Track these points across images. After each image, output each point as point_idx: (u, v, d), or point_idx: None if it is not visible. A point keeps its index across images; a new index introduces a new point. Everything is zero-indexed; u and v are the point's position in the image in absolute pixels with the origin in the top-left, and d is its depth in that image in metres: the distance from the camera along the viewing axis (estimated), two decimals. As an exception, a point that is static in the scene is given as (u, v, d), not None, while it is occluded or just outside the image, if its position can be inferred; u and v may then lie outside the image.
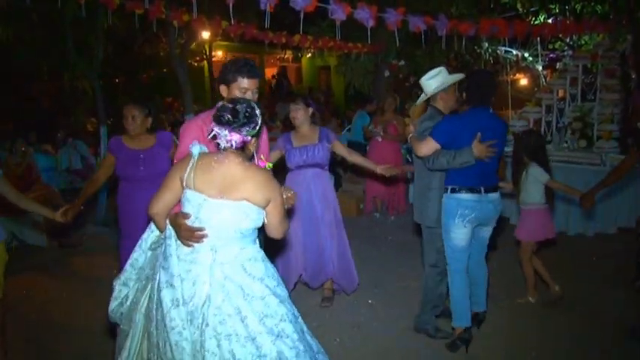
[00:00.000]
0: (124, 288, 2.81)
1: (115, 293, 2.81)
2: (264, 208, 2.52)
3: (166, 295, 2.47)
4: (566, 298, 4.67)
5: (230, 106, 2.43)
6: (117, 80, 16.70)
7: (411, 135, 4.01)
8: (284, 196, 2.71)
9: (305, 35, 8.71)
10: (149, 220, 3.09)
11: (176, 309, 2.45)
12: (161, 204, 2.65)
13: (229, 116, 2.40)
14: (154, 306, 2.55)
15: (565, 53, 11.02)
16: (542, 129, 8.12)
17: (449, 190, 3.79)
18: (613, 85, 7.50)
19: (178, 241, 2.54)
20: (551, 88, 8.38)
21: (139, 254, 2.83)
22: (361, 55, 10.37)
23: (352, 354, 3.96)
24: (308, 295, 5.01)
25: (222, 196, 2.46)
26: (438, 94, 4.02)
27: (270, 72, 23.06)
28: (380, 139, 7.56)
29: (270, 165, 3.03)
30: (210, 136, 2.46)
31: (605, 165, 6.71)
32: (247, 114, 2.42)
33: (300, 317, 2.67)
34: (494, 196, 3.83)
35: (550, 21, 10.89)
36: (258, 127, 2.48)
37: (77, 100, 12.37)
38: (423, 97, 4.18)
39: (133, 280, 2.80)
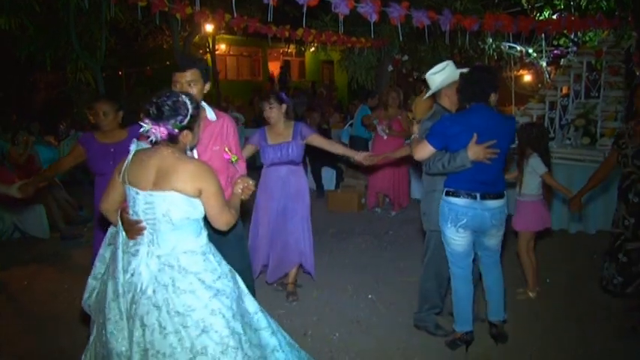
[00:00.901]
0: (93, 281, 2.89)
1: (87, 286, 2.90)
2: (196, 198, 2.51)
3: (110, 287, 2.59)
4: (568, 294, 4.66)
5: (154, 99, 2.48)
6: (120, 72, 16.71)
7: (413, 136, 3.88)
8: (239, 187, 2.83)
9: (308, 29, 8.68)
10: None
11: (115, 301, 2.55)
12: (109, 200, 2.76)
13: (153, 110, 2.45)
14: (102, 297, 2.66)
15: (569, 50, 10.98)
16: (546, 126, 8.09)
17: (444, 193, 3.62)
18: (617, 83, 7.46)
19: (125, 235, 2.62)
20: (555, 84, 8.34)
21: (105, 249, 2.90)
22: (364, 50, 10.34)
23: (351, 349, 3.96)
24: (307, 289, 5.02)
25: (153, 189, 2.50)
26: (442, 91, 3.89)
27: (272, 66, 23.05)
28: (385, 137, 7.53)
29: (235, 158, 3.23)
30: (142, 130, 2.49)
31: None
32: (170, 107, 2.45)
33: (253, 312, 2.71)
34: (493, 203, 3.54)
35: (555, 17, 10.84)
36: (187, 120, 2.49)
37: (80, 92, 12.37)
38: (428, 93, 4.09)
39: (100, 274, 2.85)
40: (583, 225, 6.51)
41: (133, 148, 2.66)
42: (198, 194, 2.50)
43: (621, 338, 3.99)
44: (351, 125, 9.79)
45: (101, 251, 2.91)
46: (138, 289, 2.50)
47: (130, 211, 2.59)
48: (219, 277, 2.59)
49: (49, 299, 4.90)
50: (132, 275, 2.53)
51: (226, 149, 3.24)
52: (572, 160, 6.81)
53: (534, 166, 4.48)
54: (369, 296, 4.91)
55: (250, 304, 2.74)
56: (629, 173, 3.97)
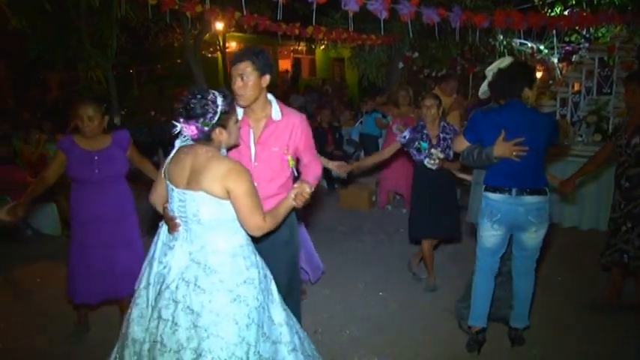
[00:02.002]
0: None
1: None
2: (225, 199, 2.47)
3: (145, 274, 2.67)
4: (570, 289, 4.64)
5: (184, 98, 2.47)
6: (130, 71, 16.78)
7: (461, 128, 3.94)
8: (293, 193, 2.63)
9: (318, 27, 8.68)
10: (103, 226, 3.67)
11: (146, 289, 2.65)
12: (154, 194, 2.82)
13: (182, 108, 2.45)
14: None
15: (581, 46, 10.88)
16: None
17: (483, 188, 3.66)
18: (630, 79, 7.39)
19: (166, 228, 2.69)
20: (566, 81, 8.27)
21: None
22: (375, 47, 10.31)
23: (362, 347, 3.96)
24: (318, 286, 5.02)
25: (186, 187, 2.51)
26: None
27: (283, 63, 23.03)
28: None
29: (292, 162, 3.07)
30: (174, 130, 2.50)
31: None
32: (198, 105, 2.43)
33: (278, 324, 2.66)
34: (529, 199, 3.49)
35: (566, 13, 10.76)
36: (217, 117, 2.46)
37: (91, 91, 12.43)
38: (483, 89, 4.10)
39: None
40: (598, 222, 6.49)
41: (177, 143, 2.65)
42: (227, 195, 2.45)
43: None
44: (361, 123, 9.78)
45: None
46: (164, 282, 2.57)
47: (169, 207, 2.66)
48: (245, 281, 2.53)
49: (61, 297, 4.92)
50: (164, 267, 2.61)
51: (286, 151, 3.06)
52: (584, 157, 6.73)
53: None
54: (380, 294, 4.91)
55: (278, 314, 2.67)
56: (623, 162, 4.16)
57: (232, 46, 18.77)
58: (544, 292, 4.63)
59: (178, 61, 15.97)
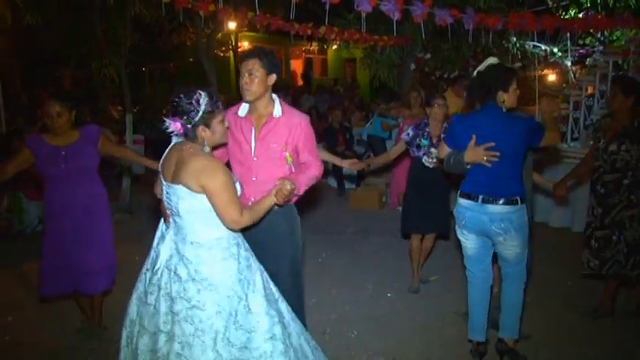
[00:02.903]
0: None
1: None
2: (201, 193, 2.58)
3: (147, 260, 2.85)
4: (570, 292, 4.61)
5: (173, 96, 2.63)
6: (143, 69, 16.86)
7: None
8: (274, 189, 2.78)
9: (331, 27, 8.67)
10: (73, 222, 3.74)
11: (144, 274, 2.81)
12: (157, 186, 2.98)
13: (169, 106, 2.62)
14: None
15: (595, 49, 10.80)
16: (570, 126, 7.99)
17: (458, 194, 3.61)
18: (644, 83, 7.33)
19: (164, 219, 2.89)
20: (579, 84, 8.23)
21: None
22: (387, 48, 10.29)
23: (370, 347, 3.96)
24: (326, 287, 5.02)
25: (171, 181, 2.66)
26: None
27: (295, 63, 23.07)
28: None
29: (290, 159, 3.14)
30: (164, 127, 2.64)
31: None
32: (182, 103, 2.58)
33: (257, 313, 2.67)
34: (494, 208, 3.37)
35: (581, 15, 10.68)
36: (199, 116, 2.59)
37: (104, 88, 12.50)
38: None
39: None
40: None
41: (173, 140, 2.79)
42: (203, 191, 2.57)
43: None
44: (371, 124, 9.78)
45: None
46: (154, 269, 2.75)
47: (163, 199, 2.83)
48: (219, 272, 2.64)
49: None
50: (156, 255, 2.78)
51: (284, 147, 3.15)
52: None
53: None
54: (389, 295, 4.90)
55: (258, 304, 2.71)
56: (599, 167, 4.14)
57: (244, 45, 18.81)
58: (545, 294, 4.63)
59: (191, 59, 16.02)
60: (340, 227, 7.12)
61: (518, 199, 3.39)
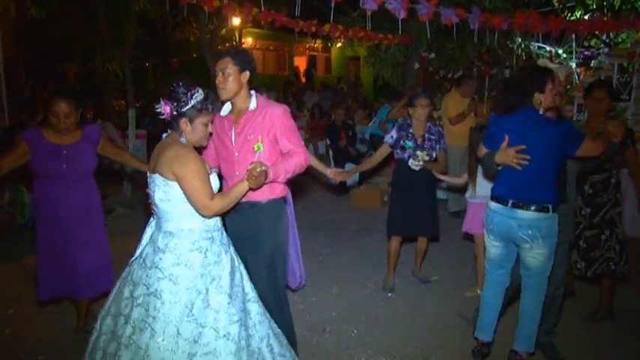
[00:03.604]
0: None
1: None
2: (173, 181, 2.66)
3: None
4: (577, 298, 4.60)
5: (175, 81, 2.76)
6: (147, 64, 16.85)
7: None
8: (245, 179, 2.78)
9: (335, 25, 8.64)
10: (66, 223, 3.69)
11: (131, 264, 2.86)
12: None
13: (168, 89, 2.73)
14: None
15: (600, 51, 10.77)
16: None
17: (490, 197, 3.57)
18: (649, 85, 7.32)
19: None
20: (584, 86, 8.19)
21: None
22: (391, 47, 10.27)
23: (370, 346, 3.95)
24: (327, 285, 5.01)
25: (152, 171, 2.77)
26: None
27: (298, 60, 23.05)
28: None
29: (257, 147, 3.16)
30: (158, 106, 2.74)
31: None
32: (177, 90, 2.70)
33: (215, 310, 2.67)
34: (523, 214, 3.31)
35: (586, 17, 10.65)
36: (186, 108, 2.70)
37: (107, 82, 12.51)
38: None
39: None
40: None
41: (164, 135, 2.85)
42: (176, 180, 2.65)
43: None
44: (374, 123, 9.76)
45: None
46: (135, 256, 2.87)
47: None
48: (181, 263, 2.67)
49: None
50: (140, 245, 2.90)
51: (259, 137, 3.17)
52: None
53: (486, 170, 4.32)
54: (389, 294, 4.89)
55: (218, 301, 2.70)
56: (583, 168, 4.06)
57: (248, 41, 18.82)
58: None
59: (194, 55, 16.00)
60: (342, 225, 7.11)
61: (550, 207, 3.30)
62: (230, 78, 3.13)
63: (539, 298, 3.49)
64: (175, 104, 2.69)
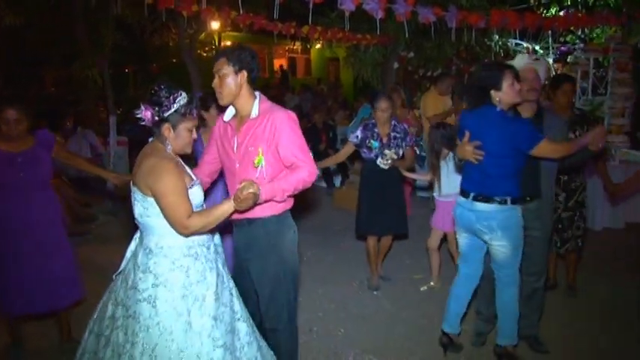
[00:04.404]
0: None
1: None
2: (150, 197, 2.49)
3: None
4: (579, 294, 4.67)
5: (156, 85, 2.58)
6: (126, 70, 16.75)
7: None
8: (232, 199, 2.54)
9: (314, 26, 8.68)
10: (31, 234, 3.51)
11: (116, 278, 2.74)
12: None
13: (149, 93, 2.56)
14: None
15: (576, 46, 10.92)
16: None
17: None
18: (624, 79, 7.42)
19: None
20: (567, 77, 8.29)
21: None
22: (370, 47, 10.32)
23: (356, 345, 3.96)
24: (313, 285, 5.03)
25: (132, 183, 2.60)
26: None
27: (278, 63, 23.02)
28: None
29: (258, 161, 2.80)
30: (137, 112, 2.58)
31: (614, 160, 6.69)
32: (159, 94, 2.53)
33: (184, 328, 2.48)
34: (480, 206, 3.38)
35: (562, 13, 10.79)
36: (168, 113, 2.53)
37: (87, 89, 12.39)
38: None
39: None
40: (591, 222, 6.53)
41: (150, 140, 2.69)
42: (151, 194, 2.48)
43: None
44: (354, 123, 9.79)
45: None
46: (119, 270, 2.74)
47: None
48: (157, 284, 2.49)
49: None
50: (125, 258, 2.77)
51: (260, 149, 2.81)
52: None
53: (455, 166, 4.41)
54: (374, 292, 4.91)
55: (201, 324, 2.52)
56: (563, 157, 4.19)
57: (228, 45, 18.75)
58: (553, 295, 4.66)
59: (174, 60, 15.94)
60: (325, 225, 7.13)
61: (509, 200, 3.35)
62: (226, 80, 2.83)
63: (512, 291, 3.52)
64: (157, 109, 2.51)
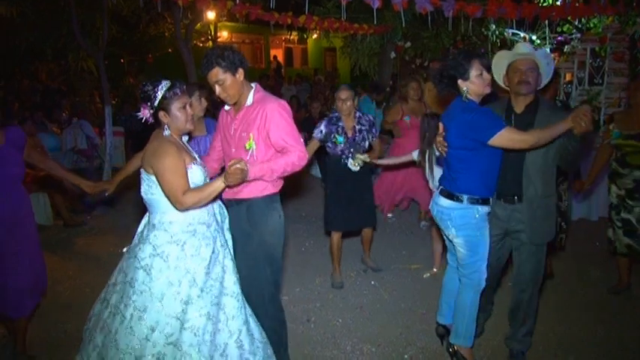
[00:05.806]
0: None
1: None
2: (152, 175, 2.77)
3: None
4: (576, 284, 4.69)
5: (142, 85, 2.89)
6: (122, 60, 16.67)
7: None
8: (223, 175, 2.70)
9: (311, 16, 8.63)
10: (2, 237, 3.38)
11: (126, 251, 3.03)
12: None
13: (139, 94, 2.85)
14: None
15: (573, 36, 10.89)
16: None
17: None
18: (621, 69, 7.44)
19: None
20: (558, 71, 8.28)
21: None
22: (367, 37, 10.29)
23: (354, 334, 3.99)
24: (310, 275, 5.04)
25: (140, 166, 2.91)
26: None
27: (274, 52, 22.97)
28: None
29: (249, 145, 3.05)
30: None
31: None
32: (144, 91, 2.82)
33: (173, 298, 2.73)
34: (441, 201, 3.30)
35: (559, 3, 10.75)
36: (157, 102, 2.78)
37: (82, 80, 12.34)
38: None
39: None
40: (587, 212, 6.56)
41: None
42: (153, 173, 2.76)
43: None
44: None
45: None
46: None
47: None
48: (154, 255, 2.75)
49: (53, 286, 4.91)
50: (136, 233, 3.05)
51: (251, 135, 3.03)
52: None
53: (436, 158, 4.39)
54: (372, 282, 4.93)
55: (187, 294, 2.74)
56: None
57: (224, 35, 18.69)
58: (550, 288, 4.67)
59: (170, 50, 15.86)
60: (322, 216, 7.11)
61: (465, 198, 3.21)
62: (227, 85, 3.00)
63: (469, 295, 3.33)
64: (149, 103, 2.80)
